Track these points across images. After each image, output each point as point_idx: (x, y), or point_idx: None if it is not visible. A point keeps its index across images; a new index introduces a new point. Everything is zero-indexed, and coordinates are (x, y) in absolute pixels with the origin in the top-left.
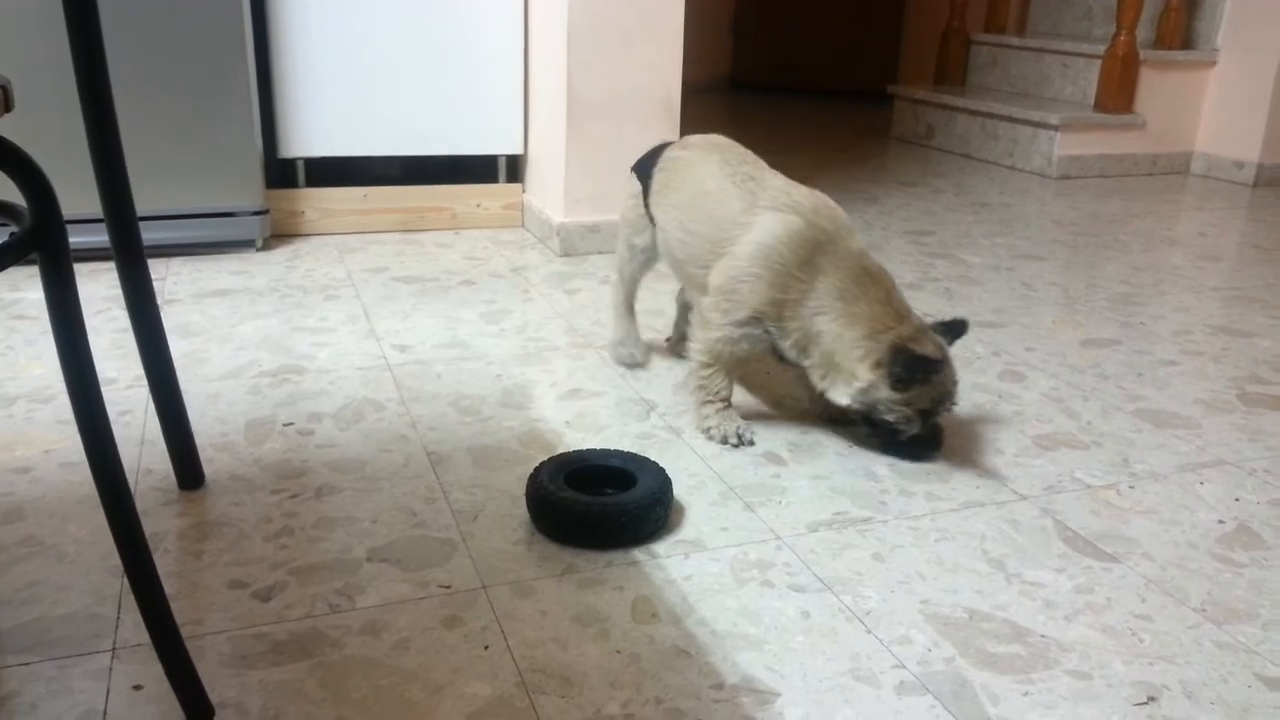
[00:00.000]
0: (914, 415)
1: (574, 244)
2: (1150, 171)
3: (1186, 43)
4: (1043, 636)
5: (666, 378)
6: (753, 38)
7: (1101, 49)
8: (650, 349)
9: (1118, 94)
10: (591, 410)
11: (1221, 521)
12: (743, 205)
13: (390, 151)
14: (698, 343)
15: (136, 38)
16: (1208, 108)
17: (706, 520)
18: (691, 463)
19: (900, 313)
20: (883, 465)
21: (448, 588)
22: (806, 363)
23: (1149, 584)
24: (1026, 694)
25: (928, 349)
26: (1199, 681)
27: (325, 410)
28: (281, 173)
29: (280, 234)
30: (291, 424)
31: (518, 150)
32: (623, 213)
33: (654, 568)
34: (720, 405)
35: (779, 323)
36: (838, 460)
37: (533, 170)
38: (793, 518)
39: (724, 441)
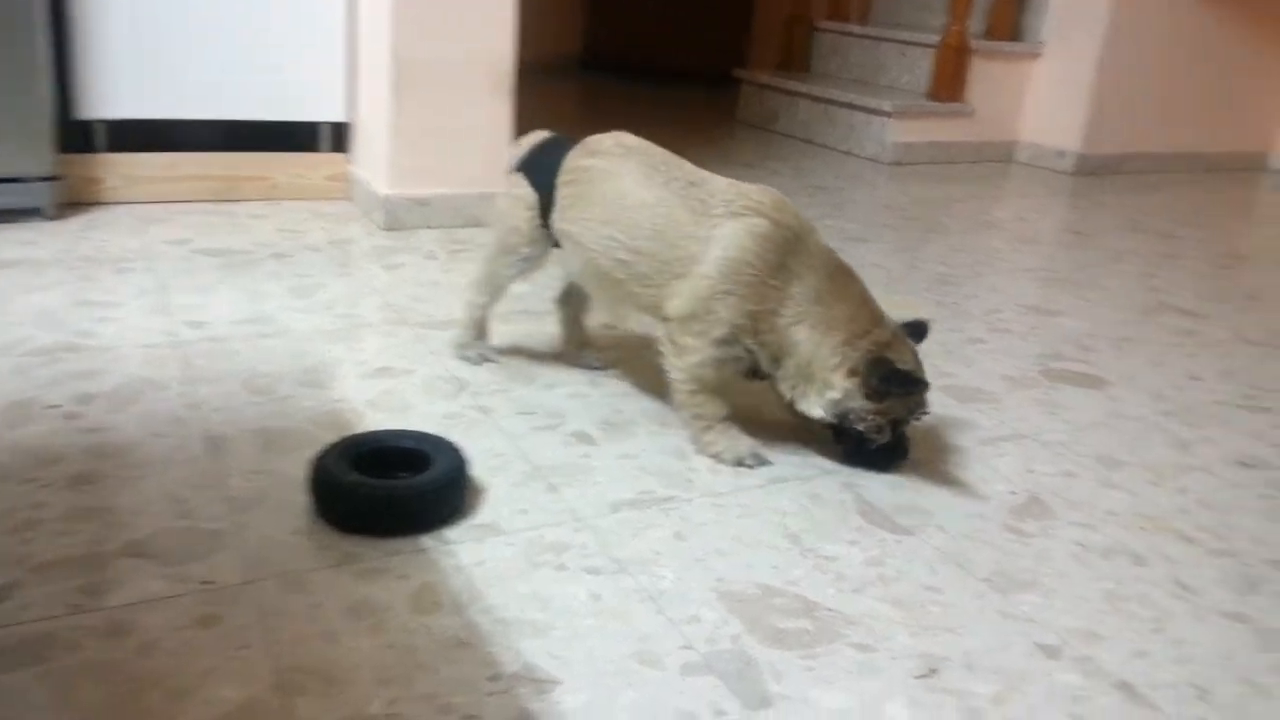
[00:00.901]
0: (886, 425)
1: (400, 218)
2: (978, 159)
3: (1015, 35)
4: (831, 610)
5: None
6: (605, 18)
7: (937, 39)
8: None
9: (950, 83)
10: (398, 390)
11: (1014, 493)
12: (693, 216)
13: (200, 115)
14: (676, 373)
15: None
16: (1033, 98)
17: (506, 502)
18: (497, 442)
19: (876, 314)
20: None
21: (209, 583)
22: (778, 373)
23: (940, 555)
24: (810, 669)
25: (905, 357)
26: (980, 651)
27: (98, 391)
28: (83, 136)
29: (78, 202)
30: (58, 406)
31: (341, 117)
32: (504, 219)
33: (443, 554)
34: (721, 426)
35: (755, 336)
36: (650, 439)
37: (360, 140)
38: (597, 498)
39: (738, 463)
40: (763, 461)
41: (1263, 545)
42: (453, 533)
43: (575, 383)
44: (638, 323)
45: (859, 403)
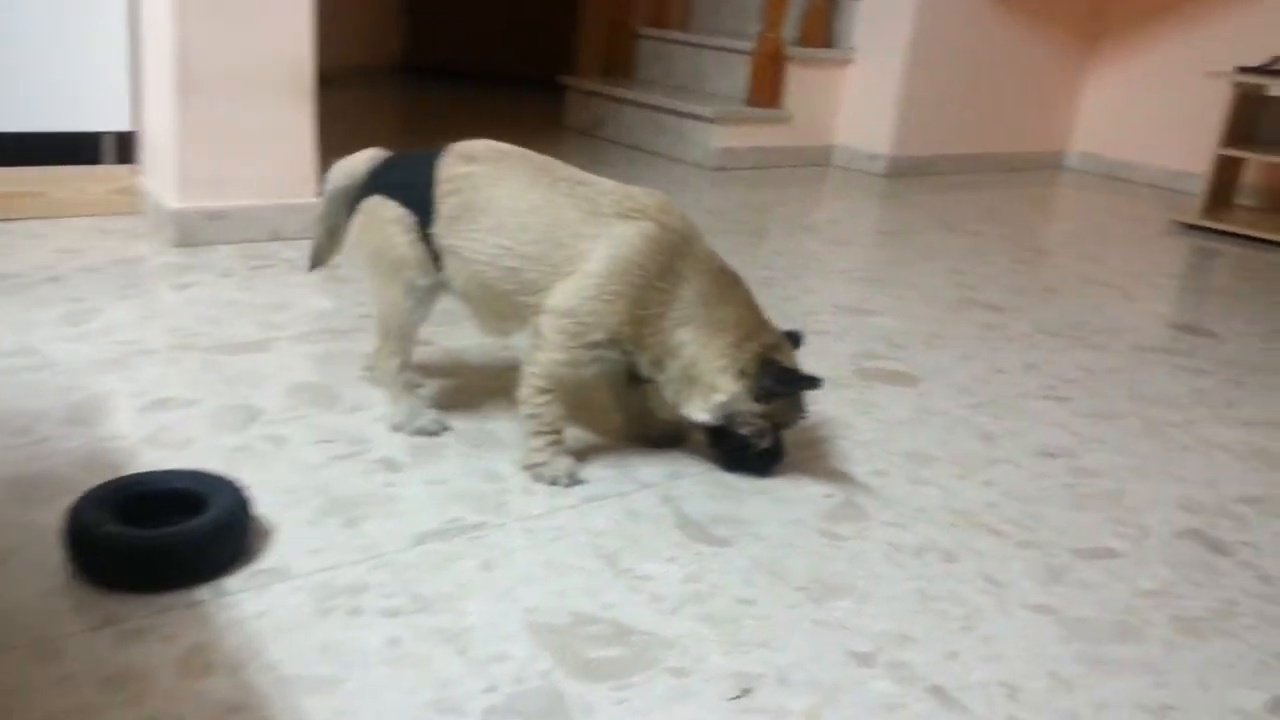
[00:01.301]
0: (769, 428)
1: (193, 233)
2: (798, 162)
3: (828, 42)
4: (646, 634)
5: (278, 379)
6: (424, 21)
7: (754, 46)
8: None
9: (767, 89)
10: (179, 423)
11: (829, 495)
12: (581, 215)
13: None
14: (536, 365)
15: None
16: (846, 103)
17: (297, 542)
18: (290, 476)
19: (761, 318)
20: (507, 464)
21: None
22: (661, 377)
23: (756, 566)
24: (622, 701)
25: (792, 358)
26: (795, 664)
27: None
28: None
29: None
30: None
31: (126, 126)
32: (384, 253)
33: (220, 607)
34: (552, 439)
35: (637, 341)
36: (460, 462)
37: (147, 150)
38: (399, 531)
39: (553, 483)
40: (576, 481)
41: (1065, 534)
42: (233, 582)
43: (384, 404)
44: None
45: (746, 405)
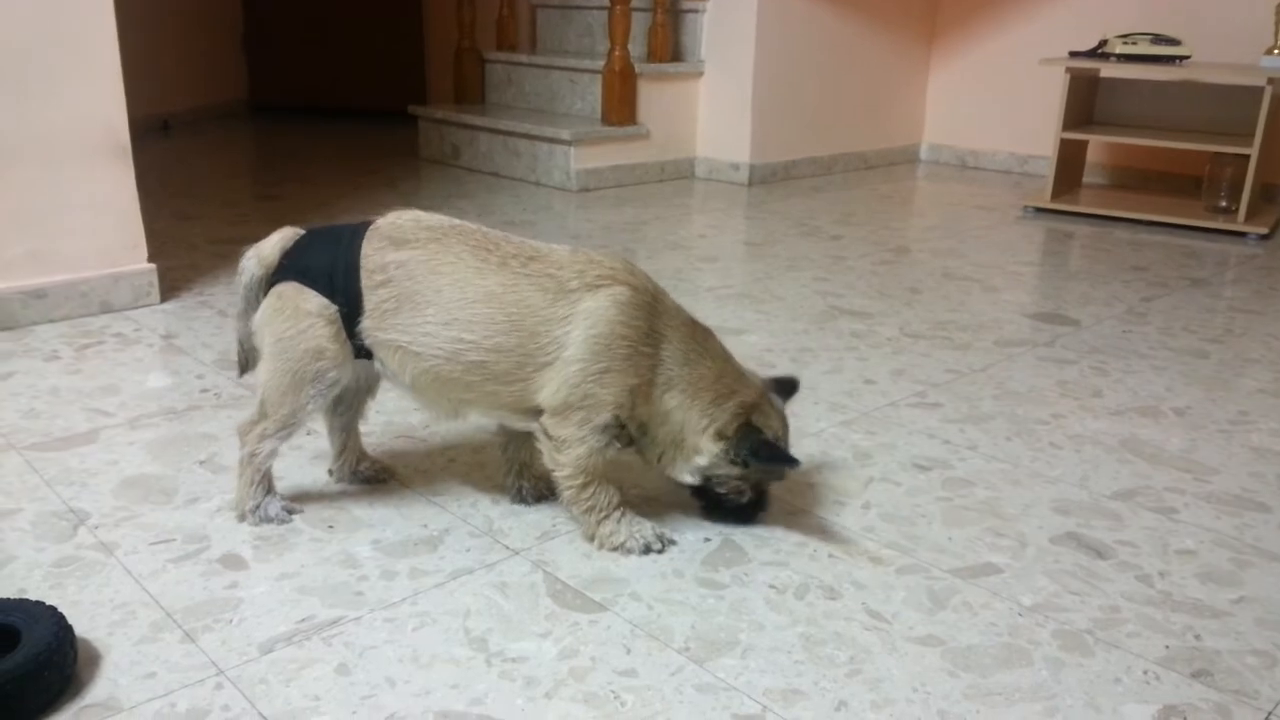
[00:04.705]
0: (748, 487)
1: (11, 315)
2: (660, 178)
3: (677, 56)
4: None
5: (108, 474)
6: (268, 57)
7: (602, 64)
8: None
9: (620, 107)
10: None
11: (708, 539)
12: (547, 296)
13: None
14: (563, 470)
15: None
16: (703, 115)
17: (129, 667)
18: (121, 589)
19: (739, 372)
20: (365, 546)
21: None
22: (645, 439)
23: (634, 630)
24: None
25: (772, 421)
26: None
27: None
28: None
29: None
30: None
31: None
32: (297, 342)
33: None
34: (620, 514)
35: (632, 411)
36: (312, 549)
37: None
38: (244, 639)
39: (646, 551)
40: (669, 541)
41: (944, 554)
42: None
43: (225, 492)
44: (475, 424)
45: (724, 469)
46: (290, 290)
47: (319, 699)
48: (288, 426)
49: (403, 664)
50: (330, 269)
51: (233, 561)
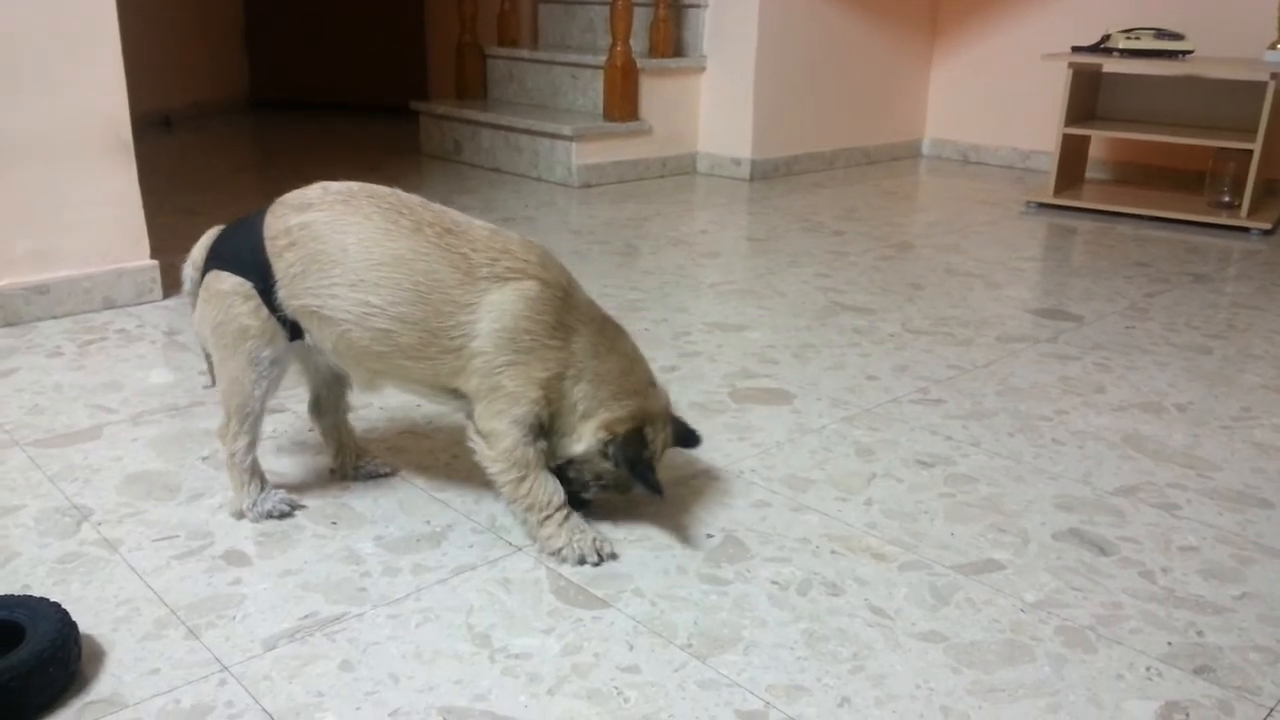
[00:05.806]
0: (598, 487)
1: (14, 311)
2: (662, 174)
3: (678, 51)
4: None
5: (111, 471)
6: (269, 53)
7: (603, 60)
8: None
9: (622, 102)
10: None
11: (710, 535)
12: (458, 277)
13: None
14: (496, 463)
15: None
16: (705, 110)
17: (133, 663)
18: (125, 586)
19: (648, 377)
20: (368, 542)
21: None
22: (554, 431)
23: (637, 626)
24: None
25: (659, 439)
26: None
27: None
28: None
29: None
30: None
31: None
32: (224, 326)
33: None
34: (562, 516)
35: (546, 404)
36: (315, 545)
37: None
38: (248, 635)
39: (581, 562)
40: (610, 556)
41: (947, 550)
42: (58, 718)
43: (228, 488)
44: (396, 398)
45: (594, 462)
46: (211, 279)
47: (322, 695)
48: (246, 417)
49: (406, 660)
50: (239, 248)
51: (236, 558)
